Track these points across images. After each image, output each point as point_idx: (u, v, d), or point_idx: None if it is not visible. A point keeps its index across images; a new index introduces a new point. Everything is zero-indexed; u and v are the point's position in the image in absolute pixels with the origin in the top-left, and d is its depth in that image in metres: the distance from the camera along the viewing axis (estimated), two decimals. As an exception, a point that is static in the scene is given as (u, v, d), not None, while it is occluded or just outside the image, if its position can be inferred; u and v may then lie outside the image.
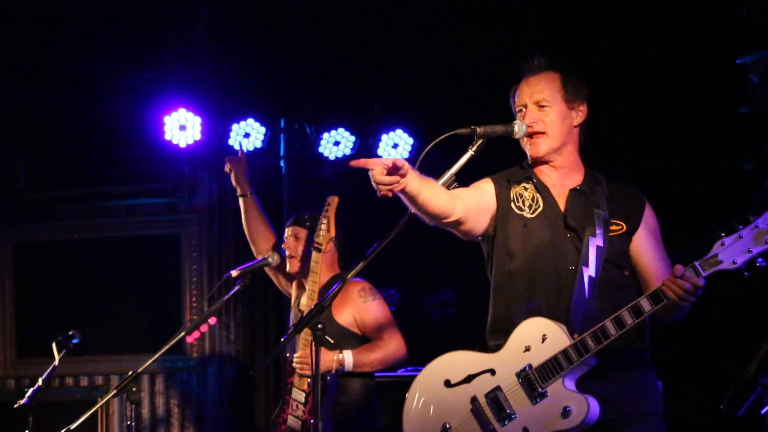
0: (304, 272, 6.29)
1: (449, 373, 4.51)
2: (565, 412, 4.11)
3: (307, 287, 5.99)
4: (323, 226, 5.89)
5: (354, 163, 4.28)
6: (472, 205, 4.45)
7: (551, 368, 4.17)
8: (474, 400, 4.38)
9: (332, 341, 5.90)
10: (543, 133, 4.33)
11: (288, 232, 6.53)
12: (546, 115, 4.35)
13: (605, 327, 4.08)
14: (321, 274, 5.97)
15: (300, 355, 5.92)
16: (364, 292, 6.24)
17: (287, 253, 6.43)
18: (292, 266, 6.41)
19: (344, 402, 6.11)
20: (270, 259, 6.27)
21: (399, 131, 8.44)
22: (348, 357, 5.95)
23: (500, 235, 4.49)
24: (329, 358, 5.97)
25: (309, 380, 5.85)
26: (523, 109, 4.42)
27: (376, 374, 6.35)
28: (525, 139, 4.39)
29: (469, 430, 4.38)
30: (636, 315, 4.06)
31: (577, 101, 4.43)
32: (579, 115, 4.42)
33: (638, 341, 4.37)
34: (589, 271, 4.27)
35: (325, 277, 6.10)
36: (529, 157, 4.52)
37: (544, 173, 4.48)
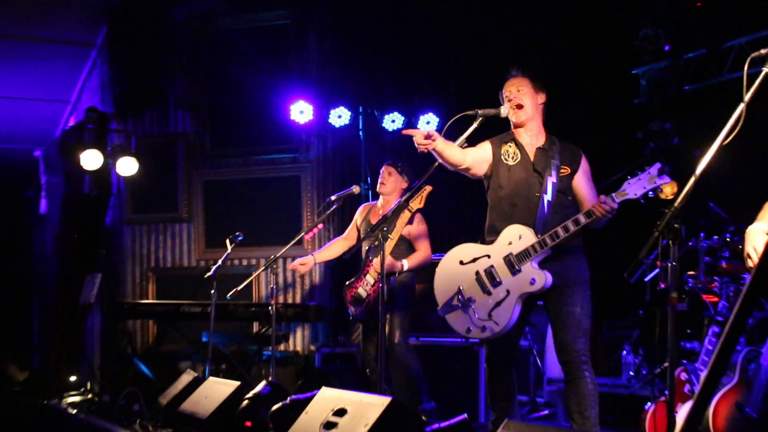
0: (384, 197, 7.30)
1: (462, 256, 5.53)
2: (532, 281, 5.15)
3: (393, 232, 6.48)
4: (417, 200, 6.33)
5: (405, 131, 5.34)
6: (477, 157, 5.46)
7: (524, 255, 5.20)
8: (477, 272, 5.40)
9: (392, 238, 6.59)
10: (521, 106, 5.40)
11: (384, 168, 7.30)
12: (523, 95, 5.42)
13: (557, 231, 5.11)
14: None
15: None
16: (419, 219, 7.20)
17: (380, 180, 7.27)
18: (380, 188, 7.28)
19: (400, 281, 7.07)
20: (354, 190, 7.24)
21: (430, 114, 9.54)
22: (406, 263, 6.99)
23: (494, 175, 5.51)
24: (398, 264, 6.95)
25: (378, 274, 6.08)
26: (509, 95, 5.44)
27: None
28: (511, 111, 5.41)
29: (473, 290, 5.39)
30: (575, 224, 5.08)
31: (540, 91, 5.49)
32: (541, 98, 5.50)
33: (576, 239, 5.27)
34: (548, 197, 5.30)
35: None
36: (512, 125, 5.51)
37: (521, 136, 5.48)
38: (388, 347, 6.92)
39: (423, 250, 7.19)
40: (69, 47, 11.45)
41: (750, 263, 4.13)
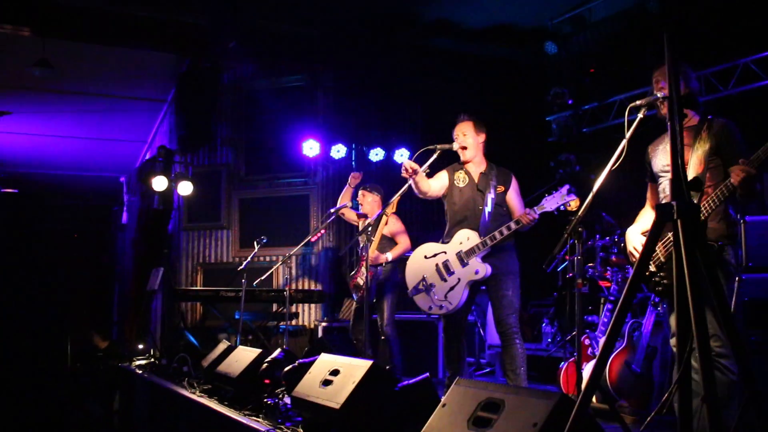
0: (368, 214, 7.05)
1: (425, 252, 5.41)
2: (476, 272, 5.09)
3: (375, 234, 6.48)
4: (390, 207, 5.92)
5: (405, 163, 5.14)
6: (436, 187, 5.39)
7: (471, 252, 5.12)
8: (436, 264, 5.30)
9: (383, 243, 6.76)
10: (465, 148, 5.31)
11: (359, 195, 7.12)
12: (467, 138, 5.31)
13: (494, 234, 5.06)
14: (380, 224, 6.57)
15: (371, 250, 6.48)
16: (395, 219, 7.00)
17: (360, 204, 7.10)
18: (363, 208, 7.08)
19: (385, 271, 6.87)
20: (347, 205, 7.06)
21: (403, 149, 9.52)
22: (389, 255, 6.79)
23: (449, 195, 5.42)
24: (382, 256, 6.79)
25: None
26: (457, 137, 5.34)
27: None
28: (458, 150, 5.33)
29: (433, 278, 5.27)
30: (508, 229, 5.03)
31: (480, 132, 5.36)
32: (481, 137, 5.37)
33: (509, 240, 5.18)
34: (488, 208, 5.22)
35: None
36: (462, 159, 5.39)
37: (468, 165, 5.38)
38: (381, 329, 6.82)
39: (402, 243, 6.97)
40: (148, 103, 11.48)
41: (632, 259, 4.10)
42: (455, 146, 5.32)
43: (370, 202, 7.10)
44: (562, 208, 5.01)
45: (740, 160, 3.52)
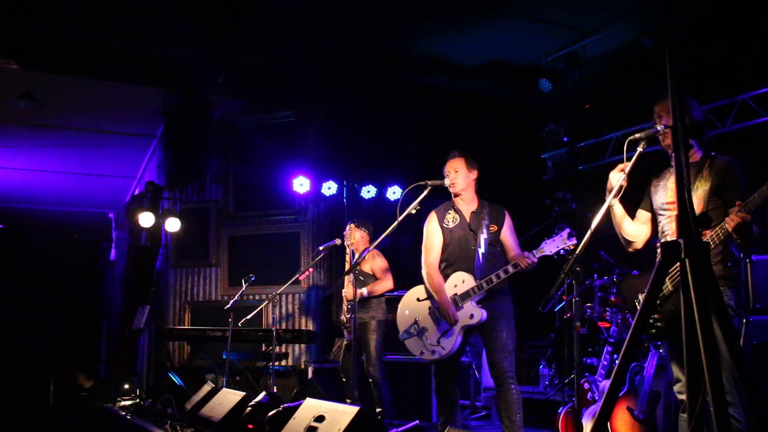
0: (355, 250, 6.98)
1: (418, 294, 5.34)
2: (471, 316, 4.98)
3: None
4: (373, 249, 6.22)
5: None
6: (439, 246, 5.27)
7: (466, 295, 5.00)
8: (429, 308, 5.19)
9: (362, 279, 6.76)
10: (454, 184, 5.16)
11: (349, 227, 7.05)
12: (458, 175, 5.18)
13: (491, 278, 4.94)
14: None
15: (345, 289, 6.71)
16: (376, 255, 6.95)
17: (346, 239, 7.00)
18: (349, 241, 6.98)
19: (366, 308, 6.81)
20: (336, 242, 7.03)
21: (396, 186, 9.48)
22: (365, 290, 6.71)
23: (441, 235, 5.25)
24: (358, 291, 6.62)
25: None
26: (448, 173, 5.20)
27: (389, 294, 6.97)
28: (449, 187, 5.17)
29: (426, 322, 5.18)
30: (505, 273, 4.93)
31: (472, 168, 5.25)
32: (473, 174, 5.25)
33: (504, 283, 5.06)
34: (482, 249, 5.09)
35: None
36: (452, 195, 5.27)
37: (459, 203, 5.24)
38: (367, 370, 6.73)
39: (381, 280, 6.90)
40: (137, 138, 11.39)
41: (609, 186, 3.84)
42: (446, 183, 5.20)
43: (357, 238, 7.03)
44: (562, 252, 4.90)
45: (737, 202, 3.40)
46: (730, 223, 3.39)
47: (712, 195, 3.67)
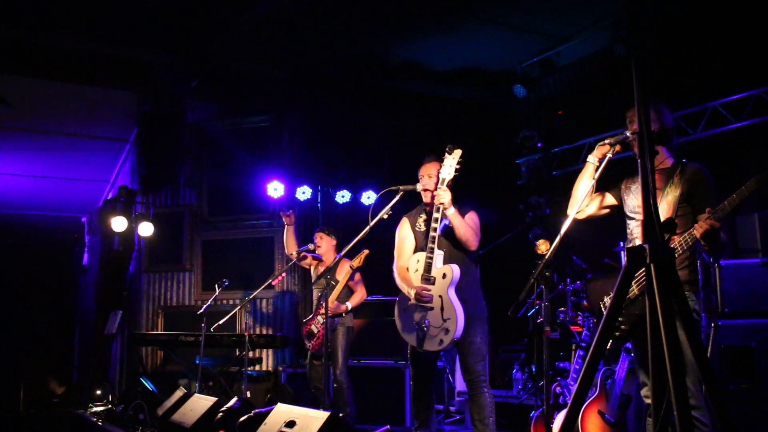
0: (323, 257, 7.01)
1: (401, 307, 5.08)
2: (444, 275, 4.84)
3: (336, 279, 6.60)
4: (357, 260, 6.60)
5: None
6: (409, 250, 5.22)
7: (428, 265, 4.88)
8: (415, 305, 4.93)
9: (334, 284, 6.53)
10: (430, 190, 5.04)
11: (316, 235, 7.14)
12: (432, 180, 5.04)
13: (433, 225, 4.81)
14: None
15: (330, 299, 6.46)
16: (347, 265, 6.82)
17: (315, 244, 7.04)
18: (318, 250, 7.03)
19: (342, 323, 6.81)
20: (309, 247, 6.98)
21: (370, 191, 9.46)
22: (349, 304, 6.76)
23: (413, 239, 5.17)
24: (342, 306, 6.73)
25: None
26: (422, 179, 5.11)
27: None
28: (423, 193, 5.08)
29: (422, 317, 4.87)
30: (435, 221, 4.81)
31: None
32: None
33: (477, 290, 5.06)
34: (443, 249, 4.90)
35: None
36: (424, 201, 5.16)
37: (427, 206, 5.12)
38: (333, 375, 6.70)
39: (359, 292, 6.95)
40: (110, 142, 11.26)
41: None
42: (419, 187, 5.12)
43: (326, 246, 7.08)
44: (458, 167, 4.77)
45: (707, 209, 3.42)
46: (698, 229, 3.41)
47: (681, 201, 3.69)
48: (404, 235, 5.27)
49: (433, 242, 4.83)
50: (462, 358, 5.02)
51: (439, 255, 4.87)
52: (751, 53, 7.23)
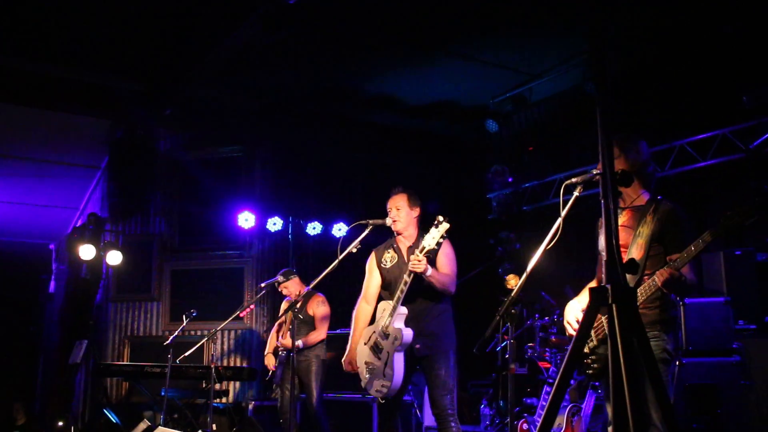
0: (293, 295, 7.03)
1: (364, 338, 5.14)
2: (394, 339, 4.87)
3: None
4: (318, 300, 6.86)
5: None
6: (373, 288, 5.31)
7: (388, 322, 4.91)
8: (371, 347, 5.06)
9: (302, 318, 6.57)
10: (396, 221, 5.13)
11: (278, 285, 7.11)
12: (400, 212, 5.14)
13: (401, 287, 4.86)
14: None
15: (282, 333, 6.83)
16: (320, 302, 7.07)
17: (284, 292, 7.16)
18: (285, 292, 7.19)
19: (315, 354, 6.90)
20: (279, 279, 6.99)
21: (341, 223, 9.42)
22: (300, 343, 6.76)
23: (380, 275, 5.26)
24: (296, 343, 6.47)
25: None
26: (390, 211, 5.17)
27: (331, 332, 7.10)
28: (391, 225, 5.14)
29: (372, 361, 5.02)
30: (404, 281, 4.85)
31: (414, 206, 5.19)
32: (415, 212, 5.20)
33: (445, 322, 5.08)
34: (409, 279, 4.85)
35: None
36: (394, 231, 5.21)
37: (400, 241, 5.22)
38: (308, 407, 6.75)
39: (317, 329, 7.02)
40: (81, 169, 11.19)
41: (569, 331, 3.92)
42: (388, 221, 5.15)
43: (292, 287, 7.15)
44: (441, 240, 4.76)
45: (667, 258, 3.43)
46: (659, 278, 3.41)
47: (653, 240, 3.67)
48: (369, 269, 5.32)
49: (399, 302, 4.88)
50: (429, 390, 5.03)
51: (401, 315, 4.91)
52: (718, 94, 7.38)
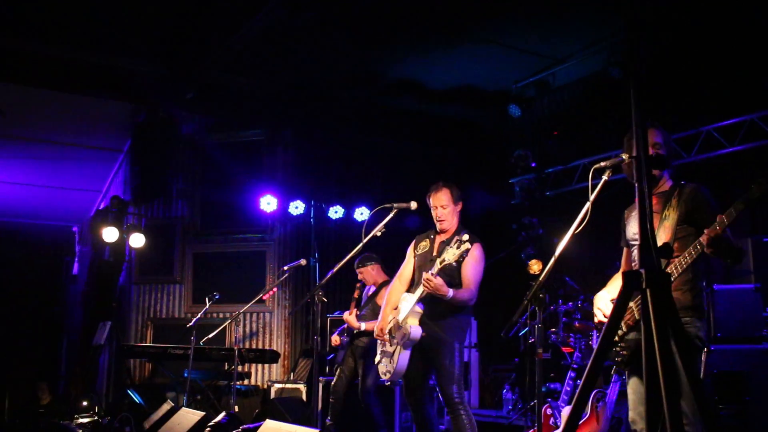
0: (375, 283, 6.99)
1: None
2: (402, 335, 4.93)
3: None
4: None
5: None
6: (408, 271, 5.29)
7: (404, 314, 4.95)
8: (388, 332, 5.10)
9: (371, 307, 6.74)
10: (442, 220, 5.08)
11: (358, 271, 6.98)
12: (446, 212, 5.09)
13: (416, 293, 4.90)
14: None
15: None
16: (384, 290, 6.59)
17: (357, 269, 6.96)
18: (367, 282, 7.04)
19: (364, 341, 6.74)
20: (301, 263, 6.70)
21: (363, 207, 9.45)
22: (363, 325, 6.67)
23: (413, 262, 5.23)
24: (356, 324, 6.70)
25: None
26: (435, 210, 5.11)
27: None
28: (436, 223, 5.11)
29: (386, 346, 5.12)
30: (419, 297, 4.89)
31: (458, 201, 5.12)
32: (459, 206, 5.13)
33: (453, 312, 4.98)
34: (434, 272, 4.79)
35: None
36: (438, 229, 5.16)
37: (438, 234, 5.17)
38: (360, 395, 6.68)
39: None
40: (104, 152, 11.23)
41: (596, 321, 3.90)
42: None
43: (372, 273, 7.07)
44: (462, 257, 4.74)
45: (717, 216, 3.35)
46: (704, 237, 3.35)
47: (681, 223, 3.64)
48: (408, 255, 5.33)
49: (417, 300, 4.95)
50: (437, 380, 5.04)
51: (416, 313, 4.96)
52: (746, 79, 7.27)
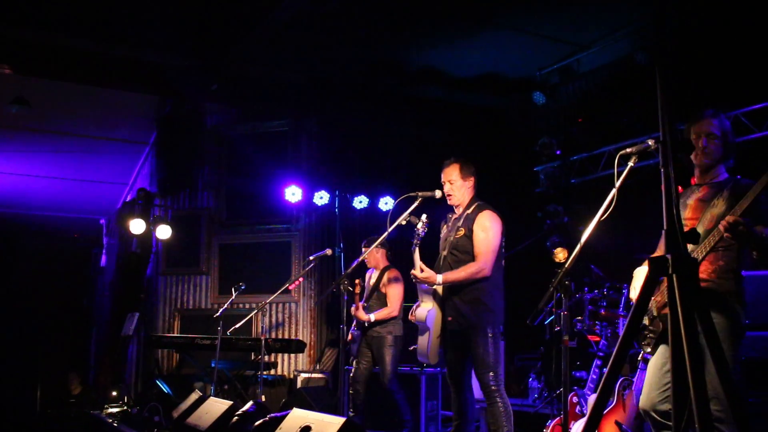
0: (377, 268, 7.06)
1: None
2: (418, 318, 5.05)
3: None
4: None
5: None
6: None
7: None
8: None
9: (376, 293, 6.82)
10: (450, 196, 5.13)
11: (365, 251, 6.49)
12: (454, 187, 5.12)
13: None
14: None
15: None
16: (394, 280, 6.89)
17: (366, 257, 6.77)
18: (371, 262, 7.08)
19: (384, 323, 6.78)
20: (327, 252, 6.90)
21: (388, 197, 9.47)
22: (372, 317, 6.70)
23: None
24: (366, 316, 6.71)
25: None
26: (444, 185, 5.15)
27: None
28: (447, 197, 5.13)
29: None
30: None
31: (467, 177, 5.15)
32: (469, 182, 5.14)
33: (483, 296, 4.97)
34: (444, 253, 5.12)
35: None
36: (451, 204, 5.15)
37: (455, 211, 5.19)
38: (382, 383, 6.71)
39: (389, 308, 6.84)
40: (130, 145, 11.39)
41: (632, 293, 3.99)
42: (438, 194, 5.12)
43: (378, 257, 7.13)
44: (422, 233, 4.94)
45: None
46: (722, 225, 3.35)
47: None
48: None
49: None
50: (473, 367, 5.05)
51: (429, 296, 5.15)
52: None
